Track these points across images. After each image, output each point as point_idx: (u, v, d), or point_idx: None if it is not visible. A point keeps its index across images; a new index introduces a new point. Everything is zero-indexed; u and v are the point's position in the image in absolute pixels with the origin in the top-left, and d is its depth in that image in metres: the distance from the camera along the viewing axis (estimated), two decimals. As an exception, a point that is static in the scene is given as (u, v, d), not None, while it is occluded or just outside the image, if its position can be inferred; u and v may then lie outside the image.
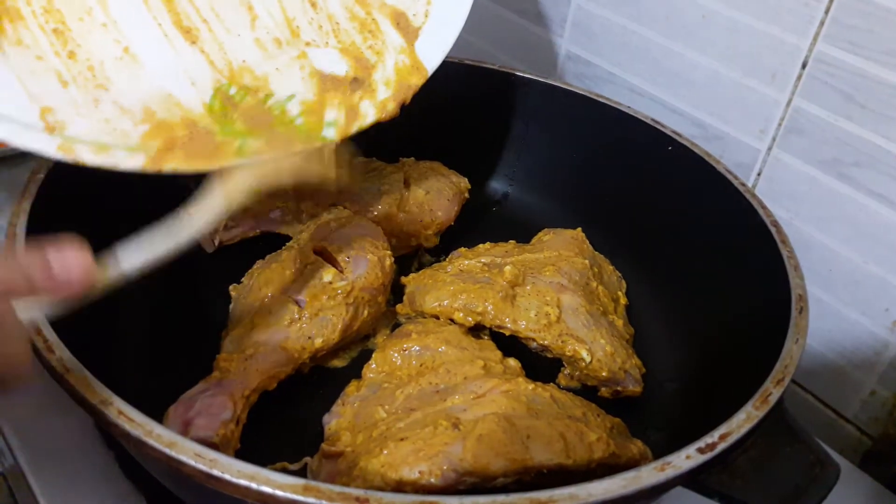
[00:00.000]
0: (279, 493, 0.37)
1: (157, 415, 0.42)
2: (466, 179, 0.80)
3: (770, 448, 0.46)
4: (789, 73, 0.68)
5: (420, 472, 0.47)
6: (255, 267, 0.66)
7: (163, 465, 0.40)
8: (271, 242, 0.70)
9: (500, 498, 0.38)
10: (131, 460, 0.57)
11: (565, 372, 0.64)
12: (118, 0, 0.52)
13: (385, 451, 0.48)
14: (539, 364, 0.62)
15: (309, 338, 0.59)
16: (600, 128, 0.79)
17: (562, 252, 0.69)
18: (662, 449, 0.45)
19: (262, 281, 0.63)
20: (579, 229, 0.74)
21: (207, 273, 0.70)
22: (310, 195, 0.71)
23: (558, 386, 0.60)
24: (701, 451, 0.42)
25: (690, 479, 0.42)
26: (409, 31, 0.59)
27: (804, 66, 0.67)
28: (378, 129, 0.84)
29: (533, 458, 0.48)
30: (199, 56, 0.53)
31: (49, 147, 0.46)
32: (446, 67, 0.83)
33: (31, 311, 0.38)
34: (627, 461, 0.52)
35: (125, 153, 0.48)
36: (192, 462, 0.39)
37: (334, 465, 0.51)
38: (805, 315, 0.54)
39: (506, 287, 0.62)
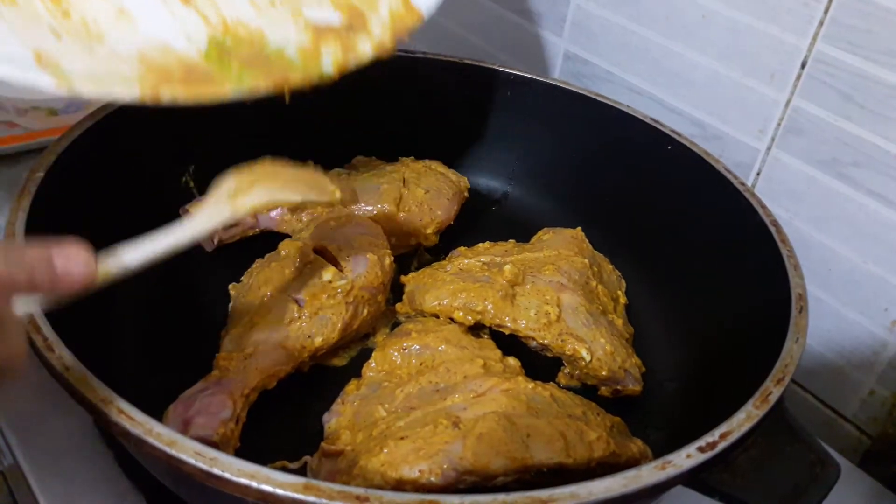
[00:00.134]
0: (279, 491, 0.37)
1: (157, 413, 0.42)
2: (466, 178, 0.80)
3: (770, 447, 0.46)
4: (788, 73, 0.68)
5: (420, 471, 0.47)
6: (254, 266, 0.66)
7: (163, 464, 0.40)
8: (271, 241, 0.70)
9: (501, 497, 0.38)
10: (131, 459, 0.57)
11: (565, 371, 0.64)
12: None
13: (385, 450, 0.48)
14: (539, 363, 0.62)
15: (308, 336, 0.59)
16: (600, 127, 0.79)
17: (561, 251, 0.69)
18: (662, 448, 0.45)
19: (261, 280, 0.62)
20: (579, 228, 0.74)
21: (207, 272, 0.70)
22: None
23: (558, 385, 0.60)
24: (701, 449, 0.42)
25: (691, 478, 0.42)
26: None
27: (803, 65, 0.67)
28: (377, 128, 0.84)
29: (533, 456, 0.48)
30: (194, 15, 0.53)
31: (46, 82, 0.46)
32: (446, 67, 0.83)
33: (27, 306, 0.38)
34: (627, 460, 0.52)
35: (122, 84, 0.48)
36: (192, 461, 0.38)
37: (334, 463, 0.51)
38: (805, 314, 0.54)
39: (505, 286, 0.62)
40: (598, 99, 0.78)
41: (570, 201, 0.82)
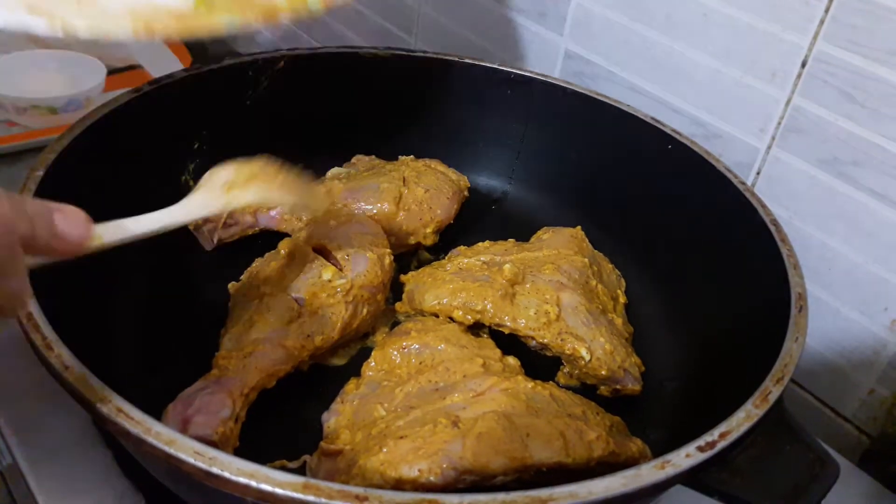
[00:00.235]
0: (278, 490, 0.37)
1: (157, 413, 0.42)
2: (466, 178, 0.80)
3: (770, 446, 0.46)
4: (789, 72, 0.68)
5: (419, 471, 0.47)
6: (254, 265, 0.66)
7: (162, 464, 0.40)
8: (270, 240, 0.70)
9: (500, 496, 0.38)
10: (130, 459, 0.57)
11: (564, 370, 0.64)
12: None
13: (384, 450, 0.48)
14: (538, 362, 0.62)
15: (308, 336, 0.59)
16: (600, 126, 0.79)
17: (561, 250, 0.69)
18: (662, 447, 0.45)
19: (261, 279, 0.62)
20: (578, 227, 0.74)
21: (206, 271, 0.70)
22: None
23: (557, 384, 0.60)
24: (701, 449, 0.42)
25: (690, 478, 0.42)
26: None
27: (804, 64, 0.67)
28: (377, 126, 0.84)
29: (532, 456, 0.48)
30: None
31: (39, 23, 0.46)
32: (447, 65, 0.83)
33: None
34: (627, 459, 0.52)
35: (115, 24, 0.48)
36: (191, 460, 0.38)
37: (333, 463, 0.51)
38: (804, 314, 0.54)
39: (505, 285, 0.62)
40: (599, 98, 0.78)
41: (570, 200, 0.82)
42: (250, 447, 0.52)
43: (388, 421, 0.52)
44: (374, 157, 0.82)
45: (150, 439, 0.39)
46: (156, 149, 0.71)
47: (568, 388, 0.61)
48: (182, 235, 0.69)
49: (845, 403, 0.72)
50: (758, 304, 0.60)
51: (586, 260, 0.68)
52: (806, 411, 0.74)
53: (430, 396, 0.54)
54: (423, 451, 0.48)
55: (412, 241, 0.74)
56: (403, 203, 0.73)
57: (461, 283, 0.63)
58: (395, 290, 0.68)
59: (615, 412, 0.57)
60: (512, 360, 0.59)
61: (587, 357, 0.59)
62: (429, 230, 0.74)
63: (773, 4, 0.67)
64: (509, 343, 0.62)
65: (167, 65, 1.05)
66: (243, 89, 0.78)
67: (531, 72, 0.82)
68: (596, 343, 0.60)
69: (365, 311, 0.62)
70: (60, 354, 0.44)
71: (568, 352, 0.60)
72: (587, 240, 0.73)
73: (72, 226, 0.39)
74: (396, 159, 0.80)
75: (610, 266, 0.73)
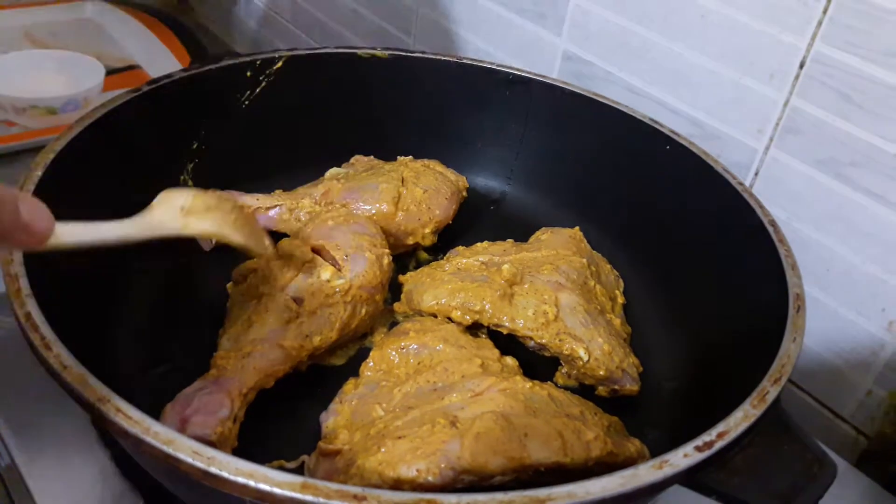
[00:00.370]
0: (277, 490, 0.37)
1: (155, 412, 0.42)
2: (464, 178, 0.80)
3: (767, 447, 0.46)
4: (787, 73, 0.68)
5: (418, 471, 0.47)
6: (247, 263, 0.66)
7: (160, 463, 0.40)
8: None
9: (499, 496, 0.38)
10: (129, 459, 0.57)
11: (563, 371, 0.64)
12: None
13: (383, 450, 0.48)
14: (537, 363, 0.62)
15: (307, 336, 0.59)
16: (598, 127, 0.79)
17: (560, 251, 0.69)
18: (660, 447, 0.45)
19: (259, 279, 0.62)
20: (577, 228, 0.74)
21: (205, 271, 0.70)
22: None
23: (556, 384, 0.60)
24: (699, 449, 0.42)
25: (688, 478, 0.42)
26: None
27: (802, 65, 0.67)
28: (376, 127, 0.84)
29: (531, 456, 0.48)
30: None
31: None
32: (445, 66, 0.83)
33: None
34: (625, 460, 0.52)
35: None
36: (189, 460, 0.38)
37: (332, 463, 0.51)
38: (802, 314, 0.54)
39: (503, 285, 0.62)
40: (597, 99, 0.79)
41: (569, 201, 0.82)
42: (249, 447, 0.53)
43: (386, 421, 0.52)
44: (372, 157, 0.82)
45: (149, 439, 0.39)
46: (154, 149, 0.71)
47: (566, 388, 0.61)
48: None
49: (843, 404, 0.72)
50: (756, 305, 0.60)
51: (584, 260, 0.68)
52: (804, 412, 0.75)
53: (428, 396, 0.54)
54: (422, 451, 0.48)
55: (411, 241, 0.74)
56: (402, 203, 0.73)
57: (460, 283, 0.63)
58: (394, 290, 0.68)
59: (613, 412, 0.57)
60: (510, 361, 0.59)
61: (585, 357, 0.59)
62: (427, 230, 0.74)
63: (771, 6, 0.67)
64: (507, 343, 0.62)
65: (166, 65, 1.05)
66: (242, 90, 0.78)
67: (530, 72, 0.82)
68: (594, 343, 0.60)
69: (363, 311, 0.63)
70: (59, 354, 0.44)
71: (566, 352, 0.60)
72: (585, 240, 0.73)
73: (36, 218, 0.38)
74: (395, 159, 0.80)
75: (608, 266, 0.73)
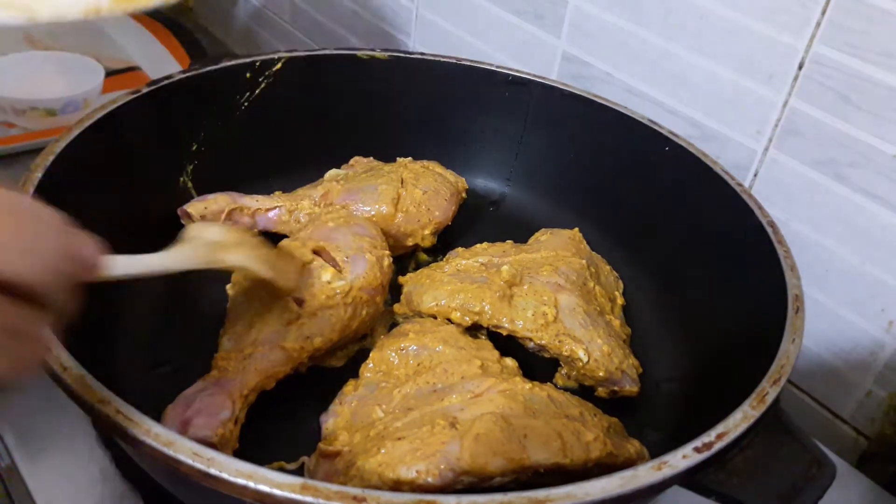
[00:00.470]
0: (277, 491, 0.37)
1: (155, 413, 0.42)
2: (464, 179, 0.80)
3: (767, 447, 0.46)
4: (786, 74, 0.68)
5: (417, 472, 0.47)
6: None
7: (160, 465, 0.40)
8: (269, 241, 0.70)
9: (498, 497, 0.38)
10: (129, 460, 0.57)
11: (562, 372, 0.64)
12: None
13: (382, 451, 0.48)
14: (536, 364, 0.62)
15: (307, 337, 0.59)
16: (598, 128, 0.79)
17: (559, 252, 0.69)
18: (659, 448, 0.45)
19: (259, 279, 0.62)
20: (576, 229, 0.74)
21: (204, 273, 0.70)
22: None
23: (555, 386, 0.60)
24: (698, 450, 0.42)
25: (687, 479, 0.42)
26: None
27: (801, 66, 0.67)
28: (375, 128, 0.84)
29: (530, 457, 0.48)
30: None
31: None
32: (444, 67, 0.83)
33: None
34: (624, 461, 0.52)
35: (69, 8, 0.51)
36: (189, 461, 0.39)
37: (332, 464, 0.51)
38: (801, 315, 0.54)
39: (503, 287, 0.62)
40: (596, 100, 0.79)
41: (568, 202, 0.82)
42: (248, 448, 0.53)
43: (386, 422, 0.52)
44: (372, 158, 0.82)
45: (149, 440, 0.40)
46: (154, 150, 0.71)
47: (566, 389, 0.61)
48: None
49: (843, 405, 0.72)
50: (755, 306, 0.60)
51: (584, 262, 0.68)
52: (803, 413, 0.75)
53: (428, 398, 0.54)
54: (421, 452, 0.48)
55: (410, 242, 0.74)
56: (401, 205, 0.73)
57: (459, 284, 0.63)
58: (394, 291, 0.68)
59: (613, 413, 0.57)
60: (510, 362, 0.59)
61: (585, 358, 0.59)
62: (427, 232, 0.74)
63: (770, 7, 0.68)
64: (507, 344, 0.62)
65: (165, 66, 1.05)
66: (241, 91, 0.78)
67: (529, 74, 0.82)
68: (593, 344, 0.60)
69: (364, 312, 0.62)
70: (59, 355, 0.44)
71: (566, 353, 0.60)
72: (585, 241, 0.73)
73: (92, 250, 0.37)
74: (394, 161, 0.80)
75: (608, 268, 0.73)
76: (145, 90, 0.69)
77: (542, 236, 0.73)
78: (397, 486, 0.47)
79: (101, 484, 0.56)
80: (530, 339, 0.61)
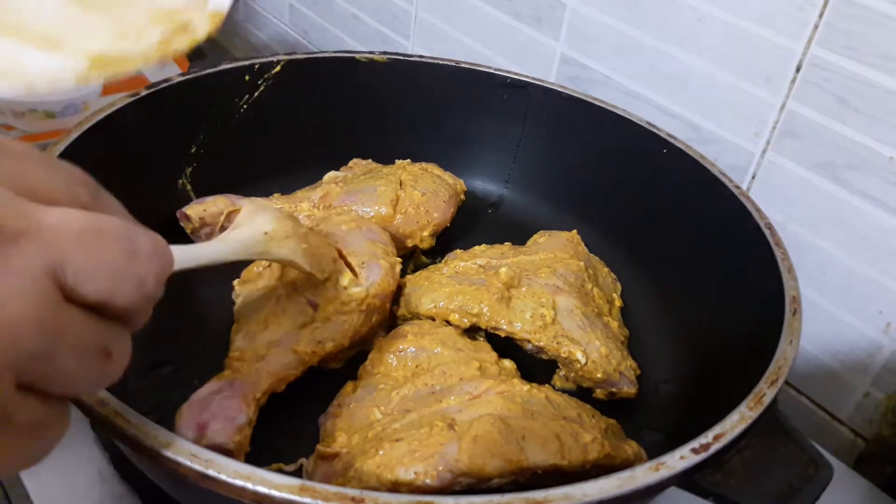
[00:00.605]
0: (275, 493, 0.37)
1: (155, 415, 0.42)
2: (462, 181, 0.80)
3: (764, 448, 0.46)
4: (784, 77, 0.68)
5: (415, 473, 0.47)
6: (254, 263, 0.66)
7: (158, 466, 0.40)
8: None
9: (496, 498, 0.38)
10: (127, 461, 0.57)
11: (560, 373, 0.64)
12: None
13: (381, 452, 0.48)
14: (534, 366, 0.62)
15: (320, 342, 0.58)
16: (596, 130, 0.79)
17: (557, 254, 0.69)
18: (657, 450, 0.45)
19: (274, 276, 0.62)
20: (574, 231, 0.75)
21: (205, 273, 0.70)
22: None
23: (553, 387, 0.60)
24: (695, 451, 0.43)
25: (684, 480, 0.42)
26: None
27: (798, 69, 0.67)
28: (374, 130, 0.85)
29: (528, 458, 0.48)
30: (65, 57, 0.55)
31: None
32: (443, 70, 0.84)
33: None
34: (622, 462, 0.52)
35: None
36: (187, 462, 0.39)
37: (330, 465, 0.51)
38: (799, 316, 0.54)
39: (501, 289, 0.62)
40: (594, 102, 0.79)
41: (566, 204, 0.82)
42: (249, 450, 0.53)
43: (384, 424, 0.52)
44: (371, 160, 0.82)
45: (148, 442, 0.40)
46: (153, 153, 0.71)
47: (564, 391, 0.61)
48: (181, 239, 0.69)
49: (840, 406, 0.72)
50: (752, 308, 0.60)
51: (582, 263, 0.68)
52: (801, 414, 0.75)
53: (426, 399, 0.54)
54: (420, 453, 0.48)
55: (409, 244, 0.74)
56: (400, 206, 0.73)
57: (457, 286, 0.63)
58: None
59: (611, 415, 0.57)
60: (508, 364, 0.60)
61: (583, 360, 0.59)
62: (425, 233, 0.74)
63: (768, 9, 0.68)
64: (505, 346, 0.62)
65: (164, 69, 1.05)
66: (241, 94, 0.78)
67: (527, 76, 0.82)
68: (591, 346, 0.60)
69: (374, 319, 0.62)
70: (58, 357, 0.44)
71: (563, 355, 0.60)
72: (583, 243, 0.73)
73: (161, 245, 0.34)
74: (393, 163, 0.80)
75: (605, 269, 0.73)
76: (144, 93, 0.70)
77: (541, 238, 0.73)
78: (395, 487, 0.47)
79: (99, 485, 0.56)
80: (528, 341, 0.61)
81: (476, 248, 0.71)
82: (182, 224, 0.70)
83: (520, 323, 0.61)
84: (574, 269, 0.67)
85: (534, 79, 0.82)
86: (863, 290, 0.68)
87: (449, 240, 0.76)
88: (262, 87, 0.79)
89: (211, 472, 0.38)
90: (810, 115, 0.68)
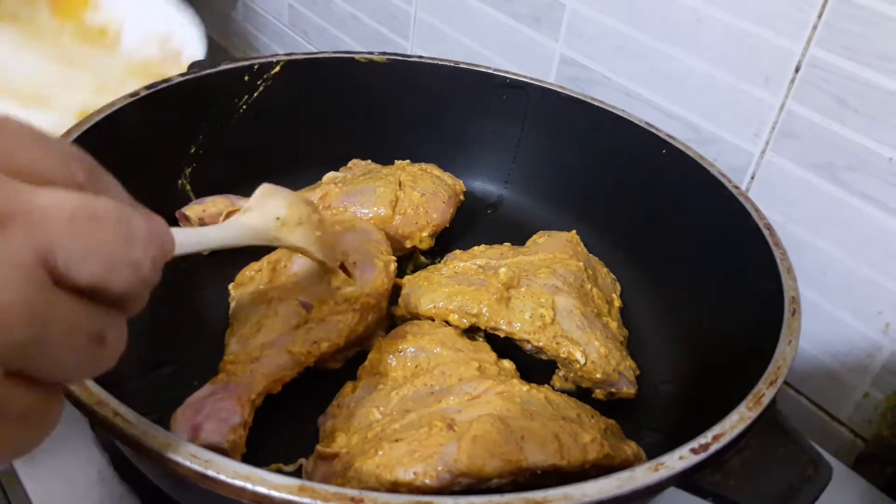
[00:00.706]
0: (274, 493, 0.37)
1: (155, 415, 0.42)
2: (462, 182, 0.80)
3: (763, 449, 0.46)
4: (783, 77, 0.69)
5: (415, 473, 0.47)
6: (254, 265, 0.66)
7: (158, 467, 0.40)
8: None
9: (496, 498, 0.38)
10: (127, 462, 0.57)
11: (559, 374, 0.64)
12: None
13: (380, 452, 0.48)
14: (533, 366, 0.62)
15: (315, 342, 0.58)
16: (595, 131, 0.79)
17: (556, 254, 0.69)
18: (656, 450, 0.45)
19: (266, 282, 0.62)
20: (574, 232, 0.75)
21: (204, 272, 0.70)
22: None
23: (552, 388, 0.60)
24: (694, 451, 0.43)
25: (684, 480, 0.42)
26: None
27: (797, 69, 0.67)
28: (373, 131, 0.85)
29: (527, 458, 0.48)
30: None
31: None
32: (442, 70, 0.84)
33: None
34: (621, 462, 0.52)
35: None
36: (187, 462, 0.39)
37: (329, 466, 0.51)
38: (798, 317, 0.54)
39: (500, 289, 0.62)
40: (594, 103, 0.79)
41: (565, 205, 0.82)
42: (247, 450, 0.53)
43: (383, 424, 0.52)
44: (370, 161, 0.82)
45: (147, 443, 0.40)
46: (153, 153, 0.71)
47: (563, 391, 0.61)
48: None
49: (840, 407, 0.72)
50: (752, 308, 0.61)
51: (581, 264, 0.68)
52: (800, 415, 0.75)
53: (425, 399, 0.54)
54: (419, 453, 0.48)
55: (408, 244, 0.74)
56: (399, 207, 0.73)
57: (457, 286, 0.63)
58: (392, 293, 0.68)
59: (610, 415, 0.57)
60: (507, 364, 0.60)
61: (582, 360, 0.59)
62: (425, 234, 0.74)
63: (767, 10, 0.68)
64: (505, 347, 0.62)
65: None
66: (240, 94, 0.78)
67: (527, 77, 0.82)
68: (591, 347, 0.60)
69: (370, 318, 0.62)
70: (57, 358, 0.44)
71: (563, 355, 0.60)
72: (582, 244, 0.73)
73: (162, 227, 0.34)
74: (392, 163, 0.80)
75: (605, 270, 0.73)
76: (144, 93, 0.70)
77: (540, 239, 0.74)
78: (395, 487, 0.47)
79: (99, 486, 0.56)
80: (528, 341, 0.61)
81: (475, 248, 0.71)
82: (181, 225, 0.70)
83: (519, 323, 0.61)
84: (573, 269, 0.67)
85: (533, 79, 0.82)
86: (862, 291, 0.68)
87: (448, 240, 0.76)
88: (261, 88, 0.79)
89: (210, 473, 0.38)
90: (809, 115, 0.68)
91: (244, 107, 0.79)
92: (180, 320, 0.66)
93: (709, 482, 0.44)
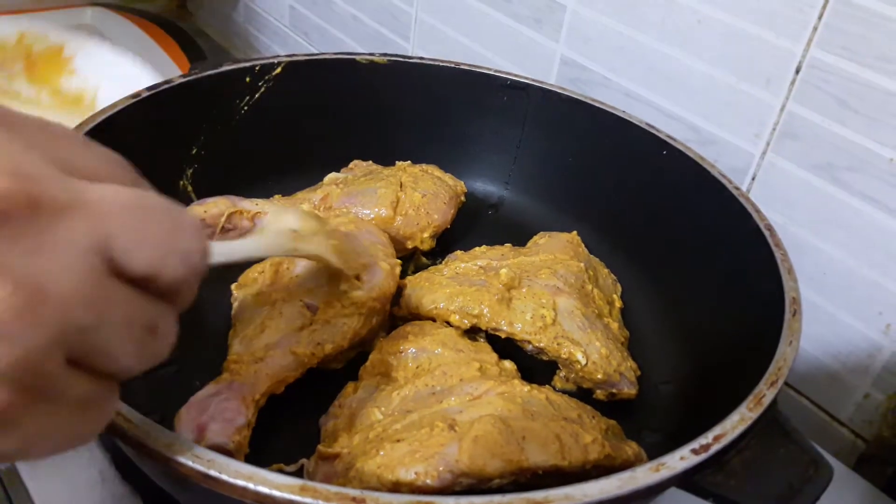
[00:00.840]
0: (276, 493, 0.37)
1: (157, 415, 0.42)
2: (463, 183, 0.80)
3: (764, 449, 0.46)
4: (783, 78, 0.69)
5: (416, 474, 0.47)
6: (256, 266, 0.66)
7: (160, 467, 0.40)
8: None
9: (497, 499, 0.38)
10: (128, 462, 0.57)
11: (560, 374, 0.64)
12: None
13: (381, 453, 0.48)
14: (534, 367, 0.62)
15: (319, 344, 0.58)
16: (596, 132, 0.79)
17: (557, 255, 0.69)
18: (657, 451, 0.45)
19: (269, 283, 0.62)
20: (574, 232, 0.75)
21: (206, 272, 0.70)
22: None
23: (553, 388, 0.60)
24: (695, 451, 0.43)
25: (685, 480, 0.42)
26: None
27: (798, 71, 0.68)
28: (374, 132, 0.85)
29: (528, 459, 0.48)
30: None
31: None
32: (443, 71, 0.84)
33: None
34: (622, 463, 0.52)
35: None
36: (189, 462, 0.39)
37: (331, 466, 0.51)
38: (798, 317, 0.54)
39: (501, 290, 0.63)
40: (594, 104, 0.79)
41: (566, 206, 0.82)
42: (249, 450, 0.53)
43: (385, 424, 0.52)
44: (371, 162, 0.82)
45: (148, 443, 0.40)
46: (154, 154, 0.71)
47: (564, 392, 0.61)
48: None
49: (841, 407, 0.72)
50: (752, 309, 0.61)
51: (582, 265, 0.68)
52: (801, 415, 0.75)
53: (426, 400, 0.54)
54: (420, 454, 0.48)
55: (409, 245, 0.74)
56: (401, 208, 0.73)
57: (458, 287, 0.63)
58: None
59: (611, 416, 0.57)
60: (508, 364, 0.60)
61: (583, 361, 0.60)
62: (426, 235, 0.74)
63: (767, 11, 0.68)
64: (506, 347, 0.62)
65: (165, 71, 1.05)
66: (241, 95, 0.78)
67: (527, 78, 0.82)
68: (592, 347, 0.60)
69: (374, 320, 0.62)
70: (59, 358, 0.44)
71: (564, 356, 0.60)
72: (583, 244, 0.74)
73: (201, 235, 0.33)
74: (393, 164, 0.80)
75: (606, 271, 0.73)
76: (145, 94, 0.70)
77: (541, 239, 0.74)
78: (396, 487, 0.47)
79: (100, 485, 0.56)
80: (529, 342, 0.61)
81: (476, 249, 0.71)
82: (183, 225, 0.70)
83: (520, 324, 0.61)
84: (574, 270, 0.67)
85: (534, 80, 0.82)
86: (863, 292, 0.68)
87: (449, 241, 0.76)
88: (262, 89, 0.79)
89: (212, 473, 0.38)
90: (810, 116, 0.68)
91: (245, 108, 0.79)
92: (182, 320, 0.66)
93: (710, 482, 0.44)
